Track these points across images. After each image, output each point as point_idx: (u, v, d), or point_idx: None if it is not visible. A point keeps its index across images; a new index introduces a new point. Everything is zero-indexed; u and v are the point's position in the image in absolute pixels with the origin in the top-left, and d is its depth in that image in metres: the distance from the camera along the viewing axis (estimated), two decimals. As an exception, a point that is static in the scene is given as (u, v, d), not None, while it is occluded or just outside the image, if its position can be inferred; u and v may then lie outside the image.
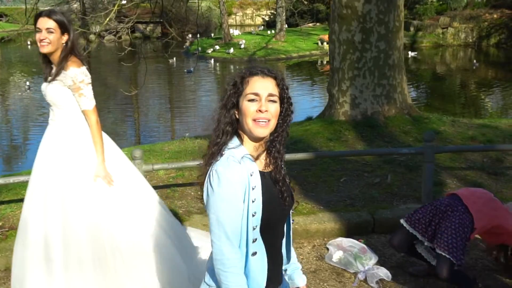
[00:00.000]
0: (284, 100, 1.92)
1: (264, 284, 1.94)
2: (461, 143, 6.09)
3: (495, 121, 7.90)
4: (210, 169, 1.87)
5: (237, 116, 1.91)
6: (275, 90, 1.89)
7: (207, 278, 2.00)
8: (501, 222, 3.60)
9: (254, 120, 1.86)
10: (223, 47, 26.17)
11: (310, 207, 4.81)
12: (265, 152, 1.94)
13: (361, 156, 5.58)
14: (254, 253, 1.91)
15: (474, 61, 22.75)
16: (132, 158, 4.48)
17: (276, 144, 1.94)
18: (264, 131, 1.87)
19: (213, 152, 1.90)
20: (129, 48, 13.11)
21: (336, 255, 4.16)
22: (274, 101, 1.88)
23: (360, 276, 3.96)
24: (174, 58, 24.48)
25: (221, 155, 1.86)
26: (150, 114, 14.39)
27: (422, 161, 4.85)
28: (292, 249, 2.20)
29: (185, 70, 22.31)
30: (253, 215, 1.86)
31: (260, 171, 1.90)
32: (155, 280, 3.39)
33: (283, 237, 2.07)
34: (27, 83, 16.54)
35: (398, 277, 4.00)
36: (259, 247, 1.91)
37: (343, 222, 4.58)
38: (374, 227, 4.64)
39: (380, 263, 4.15)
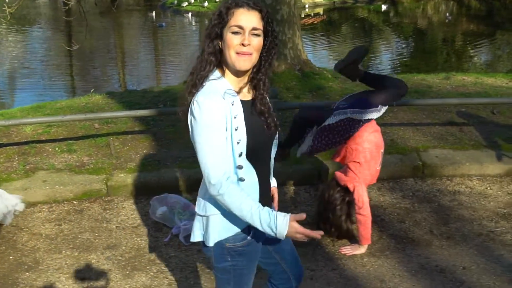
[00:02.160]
0: (269, 34, 1.93)
1: None
2: (337, 100, 6.06)
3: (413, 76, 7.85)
4: (191, 100, 1.90)
5: (221, 47, 1.92)
6: (259, 24, 1.89)
7: (201, 208, 2.10)
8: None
9: (237, 53, 1.88)
10: (198, 0, 25.70)
11: (157, 163, 4.87)
12: (248, 84, 1.99)
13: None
14: (242, 179, 1.98)
15: (447, 14, 22.36)
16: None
17: (259, 75, 1.99)
18: (245, 64, 1.89)
19: (195, 83, 1.92)
20: (71, 3, 12.93)
21: (160, 211, 4.23)
22: (257, 35, 1.89)
23: (174, 231, 4.05)
24: (154, 12, 24.17)
25: (202, 86, 1.90)
26: (135, 65, 14.47)
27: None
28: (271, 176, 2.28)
29: (157, 24, 22.02)
30: (237, 143, 1.92)
31: (242, 100, 1.95)
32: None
33: (270, 164, 2.17)
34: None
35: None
36: (247, 173, 1.99)
37: (183, 178, 4.64)
38: (215, 183, 4.69)
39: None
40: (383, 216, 4.21)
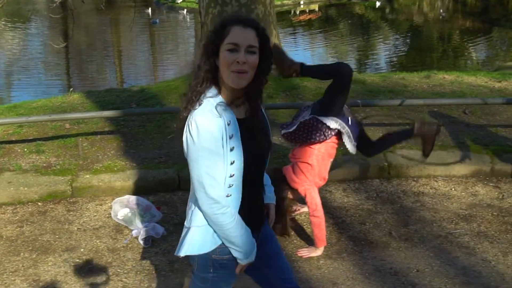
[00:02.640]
0: (264, 51, 1.93)
1: None
2: (311, 100, 6.06)
3: (390, 75, 7.84)
4: (188, 118, 1.90)
5: (217, 64, 1.92)
6: (255, 41, 1.89)
7: (190, 220, 2.09)
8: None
9: (232, 71, 1.87)
10: (192, -4, 25.58)
11: (123, 164, 4.87)
12: (244, 100, 1.98)
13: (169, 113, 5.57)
14: (228, 195, 1.98)
15: (441, 10, 22.33)
16: None
17: (254, 93, 1.98)
18: (241, 82, 1.89)
19: (192, 99, 1.92)
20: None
21: (122, 213, 4.23)
22: (253, 52, 1.89)
23: (134, 233, 4.06)
24: (150, 8, 24.11)
25: (200, 104, 1.90)
26: (132, 62, 14.52)
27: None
28: (269, 186, 2.31)
29: (151, 21, 21.97)
30: (231, 163, 1.92)
31: (238, 119, 1.95)
32: None
33: (262, 181, 2.17)
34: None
35: (178, 234, 4.09)
36: (234, 191, 1.99)
37: (148, 179, 4.65)
38: (180, 184, 4.70)
39: (166, 220, 4.24)
40: (345, 218, 4.21)
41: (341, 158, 4.91)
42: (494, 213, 4.20)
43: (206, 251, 2.07)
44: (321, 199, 3.69)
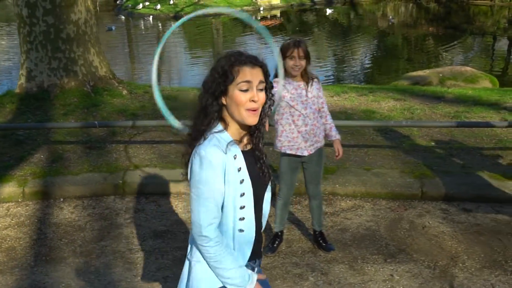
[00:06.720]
0: (267, 86, 2.04)
1: (248, 258, 2.11)
2: (105, 116, 6.33)
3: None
4: (193, 152, 1.98)
5: (224, 103, 2.00)
6: (263, 78, 2.00)
7: (191, 253, 2.13)
8: None
9: (247, 109, 1.96)
10: (153, 2, 25.94)
11: None
12: (247, 134, 2.07)
13: None
14: (241, 230, 2.05)
15: (390, 17, 22.50)
16: None
17: (259, 126, 2.07)
18: (255, 119, 1.99)
19: (196, 137, 2.00)
20: None
21: None
22: (262, 89, 1.99)
23: None
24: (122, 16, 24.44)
25: (205, 138, 1.98)
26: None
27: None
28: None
29: (106, 28, 22.21)
30: (241, 195, 2.01)
31: (242, 151, 2.03)
32: None
33: (262, 212, 2.22)
34: None
35: None
36: (247, 225, 2.06)
37: None
38: None
39: None
40: (49, 234, 4.43)
41: (81, 175, 5.18)
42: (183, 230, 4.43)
43: None
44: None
